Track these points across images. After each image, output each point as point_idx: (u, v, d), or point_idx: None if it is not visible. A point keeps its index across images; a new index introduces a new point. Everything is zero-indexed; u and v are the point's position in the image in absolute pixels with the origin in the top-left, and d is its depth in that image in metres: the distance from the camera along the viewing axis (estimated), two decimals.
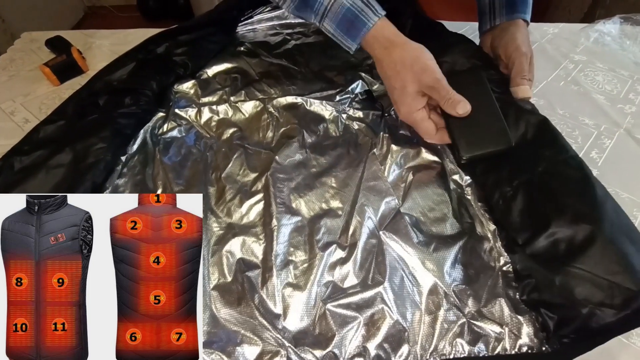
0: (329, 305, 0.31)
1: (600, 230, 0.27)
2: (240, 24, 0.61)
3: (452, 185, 0.39)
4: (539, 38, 0.63)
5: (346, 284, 0.32)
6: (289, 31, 0.61)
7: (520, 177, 0.33)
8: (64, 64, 0.56)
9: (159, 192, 0.39)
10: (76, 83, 0.56)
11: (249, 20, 0.62)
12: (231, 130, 0.45)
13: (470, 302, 0.31)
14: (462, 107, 0.35)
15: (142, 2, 1.88)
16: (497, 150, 0.35)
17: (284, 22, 0.63)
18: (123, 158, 0.42)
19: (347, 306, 0.31)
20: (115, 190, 0.39)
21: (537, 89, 0.54)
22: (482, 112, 0.36)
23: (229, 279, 0.33)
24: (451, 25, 0.65)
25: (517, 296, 0.31)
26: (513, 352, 0.28)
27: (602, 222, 0.27)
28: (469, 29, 0.65)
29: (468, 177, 0.39)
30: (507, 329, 0.29)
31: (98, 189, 0.38)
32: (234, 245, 0.35)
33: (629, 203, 0.41)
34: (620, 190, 0.42)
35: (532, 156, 0.33)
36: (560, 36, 0.64)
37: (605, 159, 0.45)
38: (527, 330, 0.29)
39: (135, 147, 0.43)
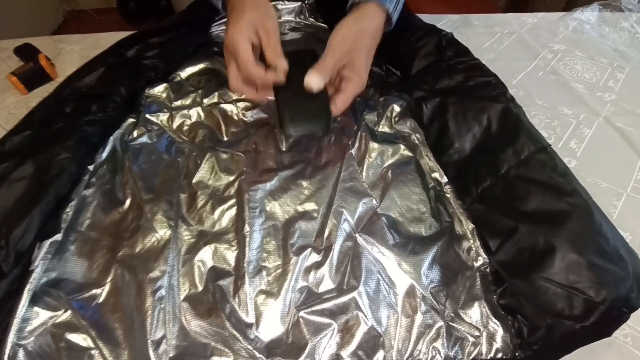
0: (302, 313, 0.30)
1: (562, 238, 0.26)
2: (214, 24, 0.60)
3: (431, 183, 0.39)
4: (518, 28, 0.63)
5: (321, 289, 0.31)
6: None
7: (485, 180, 0.32)
8: (31, 72, 0.54)
9: (128, 201, 0.37)
10: (45, 91, 0.54)
11: (223, 20, 0.60)
12: (203, 134, 0.44)
13: (447, 304, 0.30)
14: (282, 65, 0.36)
15: (122, 4, 1.84)
16: (314, 134, 0.39)
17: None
18: (91, 167, 0.40)
19: (321, 313, 0.30)
20: (83, 201, 0.38)
21: (516, 80, 0.54)
22: (310, 93, 0.36)
23: (200, 288, 0.32)
24: (430, 18, 0.65)
25: (495, 299, 0.30)
26: (489, 357, 0.27)
27: (564, 229, 0.27)
28: (448, 21, 0.64)
29: None
30: (484, 333, 0.28)
31: (63, 200, 0.36)
32: (206, 254, 0.34)
33: (609, 193, 0.40)
34: (599, 180, 0.41)
35: (496, 155, 0.32)
36: (539, 26, 0.63)
37: (584, 149, 0.45)
38: (502, 335, 0.28)
39: (104, 155, 0.42)
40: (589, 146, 0.45)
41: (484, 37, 0.61)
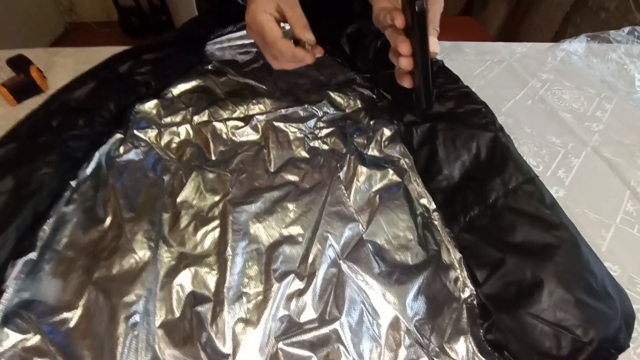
0: (281, 344, 0.28)
1: (549, 273, 0.26)
2: (209, 42, 0.60)
3: (419, 210, 0.38)
4: (508, 57, 0.64)
5: (303, 318, 0.30)
6: (259, 49, 0.61)
7: (473, 209, 0.32)
8: (22, 84, 0.54)
9: (109, 220, 0.36)
10: (34, 103, 0.54)
11: (218, 39, 0.61)
12: (191, 152, 0.43)
13: (433, 337, 0.29)
14: (310, 38, 0.34)
15: (123, 18, 1.87)
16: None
17: (253, 40, 0.62)
18: (74, 183, 0.39)
19: (301, 344, 0.28)
20: (62, 218, 0.37)
21: (505, 107, 0.54)
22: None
23: (177, 314, 0.30)
24: None
25: (482, 334, 0.29)
26: None
27: (552, 264, 0.26)
28: (439, 47, 0.66)
29: None
30: None
31: (41, 217, 0.35)
32: (185, 278, 0.32)
33: (597, 223, 0.40)
34: (588, 211, 0.41)
35: (484, 184, 0.32)
36: (528, 55, 0.65)
37: (572, 178, 0.45)
38: None
39: (88, 171, 0.41)
40: (577, 176, 0.45)
41: (474, 64, 0.62)
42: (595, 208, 0.42)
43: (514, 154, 0.34)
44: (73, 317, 0.30)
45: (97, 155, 0.42)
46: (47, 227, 0.35)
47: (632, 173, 0.46)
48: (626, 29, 0.66)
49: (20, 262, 0.31)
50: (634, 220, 0.41)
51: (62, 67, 0.61)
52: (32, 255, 0.33)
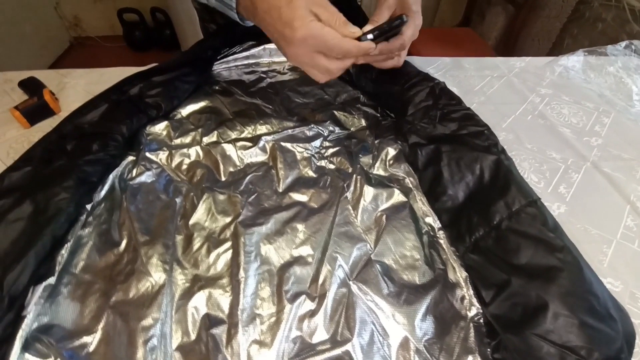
0: None
1: (553, 295, 0.27)
2: (216, 62, 0.62)
3: (425, 228, 0.39)
4: (507, 72, 0.66)
5: (315, 339, 0.31)
6: (265, 69, 0.62)
7: (478, 230, 0.33)
8: (35, 107, 0.55)
9: (124, 243, 0.37)
10: (47, 125, 0.55)
11: (225, 59, 0.63)
12: (201, 173, 0.45)
13: (442, 357, 0.30)
14: (356, 30, 0.34)
15: (128, 32, 1.90)
16: None
17: (259, 60, 0.64)
18: (89, 206, 0.40)
19: None
20: (78, 241, 0.38)
21: (505, 123, 0.55)
22: None
23: (193, 337, 0.31)
24: (424, 60, 0.68)
25: (489, 353, 0.30)
26: None
27: (556, 286, 0.27)
28: (440, 64, 0.67)
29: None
30: None
31: (59, 242, 0.36)
32: (200, 300, 0.33)
33: (598, 240, 0.41)
34: (589, 226, 0.42)
35: (489, 206, 0.33)
36: (526, 70, 0.66)
37: (573, 194, 0.46)
38: None
39: (102, 193, 0.42)
40: (578, 191, 0.46)
41: (474, 79, 0.64)
42: (596, 224, 0.43)
43: (516, 176, 0.35)
44: (92, 341, 0.31)
45: (110, 177, 0.43)
46: (64, 251, 0.36)
47: (632, 188, 0.47)
48: (623, 43, 0.68)
49: (40, 288, 0.32)
50: (634, 235, 0.42)
51: (73, 89, 0.62)
52: (51, 279, 0.34)
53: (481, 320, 0.32)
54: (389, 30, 0.38)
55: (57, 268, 0.35)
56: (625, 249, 0.41)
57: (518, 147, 0.51)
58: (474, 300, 0.33)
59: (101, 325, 0.31)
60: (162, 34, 1.90)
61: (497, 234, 0.32)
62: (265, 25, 0.37)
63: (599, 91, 0.63)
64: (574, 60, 0.67)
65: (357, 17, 0.42)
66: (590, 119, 0.58)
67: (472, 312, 0.33)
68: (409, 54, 0.57)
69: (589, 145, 0.53)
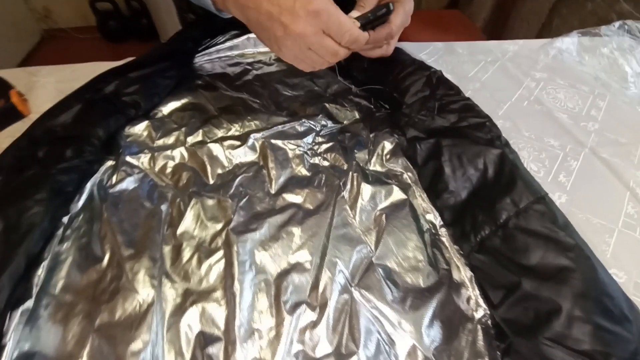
0: None
1: (566, 297, 0.25)
2: (197, 55, 0.58)
3: (426, 226, 0.38)
4: (500, 56, 0.64)
5: (318, 353, 0.29)
6: (250, 60, 0.59)
7: (484, 229, 0.31)
8: (2, 111, 0.51)
9: (107, 258, 0.35)
10: (17, 130, 0.51)
11: (207, 51, 0.59)
12: (187, 177, 0.42)
13: None
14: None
15: (101, 22, 1.81)
16: None
17: (244, 51, 0.60)
18: (65, 219, 0.37)
19: None
20: (56, 259, 0.35)
21: (502, 110, 0.54)
22: None
23: (187, 358, 0.29)
24: (415, 45, 0.65)
25: (499, 356, 0.29)
26: None
27: (568, 287, 0.26)
28: (432, 49, 0.65)
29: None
30: None
31: (34, 261, 0.33)
32: (193, 316, 0.31)
33: (601, 229, 0.40)
34: (591, 216, 0.41)
35: (494, 203, 0.32)
36: (520, 54, 0.64)
37: (573, 183, 0.45)
38: None
39: (80, 204, 0.39)
40: (578, 180, 0.45)
41: (468, 65, 0.62)
42: (597, 213, 0.42)
43: (522, 171, 0.33)
44: None
45: (88, 186, 0.40)
46: (40, 270, 0.33)
47: (631, 173, 0.46)
48: (617, 24, 0.67)
49: (17, 314, 0.30)
50: (635, 223, 0.41)
51: (44, 88, 0.58)
52: (29, 303, 0.31)
53: (489, 322, 0.31)
54: (374, 20, 0.36)
55: (35, 290, 0.32)
56: (627, 238, 0.40)
57: (516, 135, 0.50)
58: (480, 301, 0.32)
59: (86, 350, 0.29)
60: (139, 24, 1.81)
61: (504, 232, 0.30)
62: (251, 11, 0.34)
63: (594, 73, 0.62)
64: (568, 42, 0.65)
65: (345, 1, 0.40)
66: (586, 103, 0.56)
67: (479, 314, 0.32)
68: (399, 39, 0.54)
69: (586, 131, 0.52)
